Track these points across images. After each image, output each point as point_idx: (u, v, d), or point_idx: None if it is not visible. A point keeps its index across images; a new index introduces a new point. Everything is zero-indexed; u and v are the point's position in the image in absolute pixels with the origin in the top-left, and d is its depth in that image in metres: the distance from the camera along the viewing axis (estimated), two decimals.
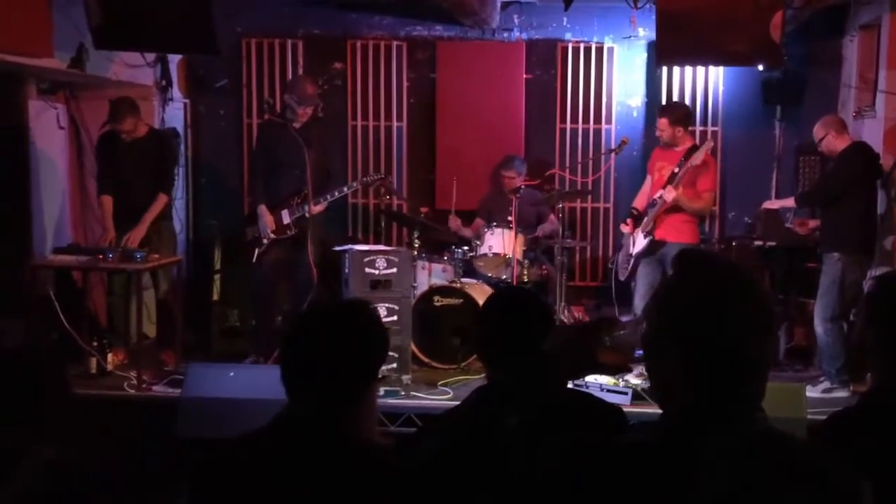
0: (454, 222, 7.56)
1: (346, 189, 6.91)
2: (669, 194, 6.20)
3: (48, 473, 2.08)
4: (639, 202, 6.67)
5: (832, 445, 2.17)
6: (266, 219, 6.60)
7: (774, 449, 1.57)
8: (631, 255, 6.47)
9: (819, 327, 6.11)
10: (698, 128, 7.98)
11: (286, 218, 6.61)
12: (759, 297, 1.61)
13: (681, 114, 6.56)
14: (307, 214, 6.54)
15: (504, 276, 6.95)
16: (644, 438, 1.61)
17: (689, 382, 1.58)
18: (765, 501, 1.51)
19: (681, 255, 1.67)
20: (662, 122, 6.44)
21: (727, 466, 1.52)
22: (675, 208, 6.31)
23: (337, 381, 2.02)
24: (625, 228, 6.62)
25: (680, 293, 1.62)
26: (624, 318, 6.94)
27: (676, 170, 6.30)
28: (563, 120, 8.17)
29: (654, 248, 6.39)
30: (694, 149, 6.40)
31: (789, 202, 6.64)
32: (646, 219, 6.42)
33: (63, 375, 2.40)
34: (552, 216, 7.52)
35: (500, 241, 6.90)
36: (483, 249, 6.96)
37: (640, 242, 6.44)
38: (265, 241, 6.63)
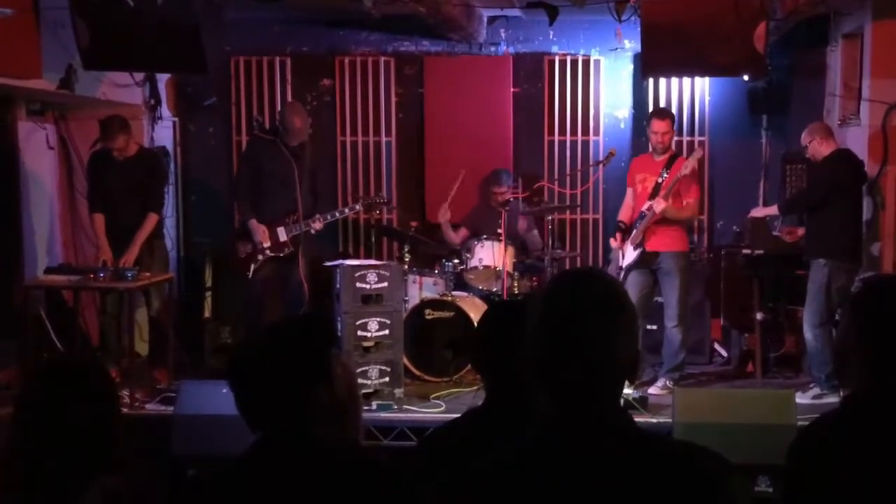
0: (445, 215, 7.55)
1: (346, 210, 7.01)
2: (659, 206, 6.24)
3: (109, 502, 2.08)
4: (624, 215, 6.70)
5: (816, 450, 2.19)
6: (259, 232, 6.62)
7: (640, 447, 1.59)
8: (621, 267, 6.50)
9: (808, 333, 6.15)
10: (685, 138, 8.03)
11: (283, 235, 6.65)
12: (607, 298, 1.63)
13: (674, 116, 6.65)
14: (312, 231, 6.60)
15: (495, 289, 6.97)
16: (511, 452, 1.63)
17: (545, 389, 1.62)
18: (636, 502, 1.53)
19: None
20: (665, 124, 6.43)
21: (596, 470, 1.55)
22: (663, 219, 6.36)
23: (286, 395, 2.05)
24: (613, 244, 6.65)
25: (534, 304, 1.68)
26: None
27: (660, 180, 6.34)
28: (551, 132, 8.21)
29: (645, 259, 6.43)
30: (674, 157, 6.45)
31: (774, 210, 6.70)
32: (634, 232, 6.45)
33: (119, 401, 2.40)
34: (535, 231, 7.55)
35: (490, 254, 6.93)
36: (473, 262, 6.99)
37: (630, 255, 6.48)
38: (260, 256, 6.65)
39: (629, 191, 6.74)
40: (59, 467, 2.10)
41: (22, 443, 2.14)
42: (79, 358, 2.97)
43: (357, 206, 7.09)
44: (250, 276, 6.67)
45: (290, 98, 8.11)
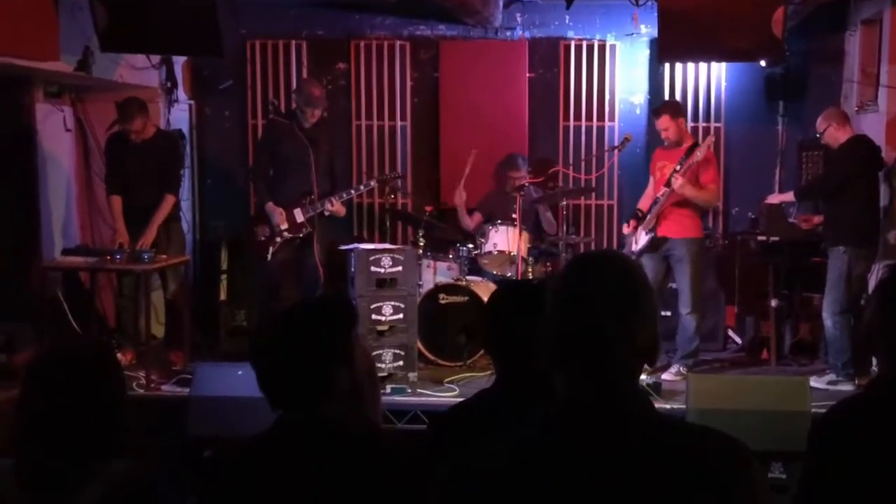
0: (461, 197, 7.54)
1: (362, 187, 7.03)
2: (677, 182, 6.22)
3: (118, 489, 2.09)
4: (643, 204, 6.68)
5: (836, 434, 2.18)
6: (276, 215, 6.64)
7: (659, 431, 1.58)
8: (633, 252, 6.50)
9: (828, 321, 6.14)
10: (701, 124, 8.00)
11: (300, 216, 6.67)
12: (625, 280, 1.61)
13: (677, 106, 6.66)
14: (326, 212, 6.62)
15: (509, 274, 6.98)
16: (525, 435, 1.61)
17: (561, 373, 1.61)
18: (654, 486, 1.52)
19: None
20: (664, 120, 6.42)
21: (614, 454, 1.53)
22: (678, 203, 6.34)
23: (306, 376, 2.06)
24: (626, 230, 6.66)
25: (551, 286, 1.67)
26: None
27: (678, 167, 6.33)
28: (567, 118, 8.19)
29: (656, 244, 6.42)
30: (695, 146, 6.42)
31: (789, 196, 6.67)
32: (648, 216, 6.45)
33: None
34: (549, 215, 7.54)
35: (504, 239, 6.94)
36: (488, 247, 7.00)
37: (642, 240, 6.48)
38: (278, 239, 6.67)
39: (651, 180, 6.73)
40: (66, 450, 2.10)
41: (28, 426, 2.14)
42: (84, 342, 2.95)
43: (372, 183, 7.12)
44: (268, 258, 6.70)
45: None
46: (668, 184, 6.33)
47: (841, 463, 2.13)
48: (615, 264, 1.64)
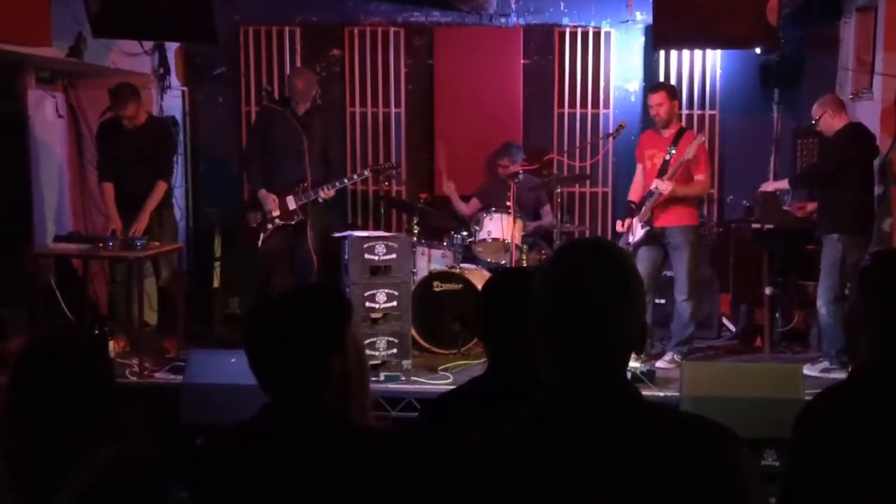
0: (449, 187, 7.57)
1: (356, 177, 7.02)
2: (665, 188, 6.21)
3: (108, 473, 2.08)
4: (634, 194, 6.66)
5: (822, 421, 2.19)
6: (269, 201, 6.63)
7: (648, 420, 1.57)
8: (629, 243, 6.49)
9: (822, 309, 6.14)
10: (696, 111, 7.99)
11: (292, 204, 6.66)
12: (613, 267, 1.60)
13: (674, 88, 6.64)
14: (320, 199, 6.60)
15: (503, 261, 6.97)
16: (516, 424, 1.61)
17: (550, 361, 1.60)
18: (646, 474, 1.51)
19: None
20: (661, 96, 6.37)
21: (604, 443, 1.53)
22: (672, 197, 6.33)
23: (294, 363, 2.05)
24: (619, 227, 6.64)
25: (539, 273, 1.66)
26: None
27: (667, 157, 6.31)
28: (561, 105, 8.17)
29: (654, 236, 6.40)
30: (682, 132, 6.41)
31: (784, 184, 6.67)
32: (643, 209, 6.43)
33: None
34: (547, 207, 7.55)
35: (499, 227, 6.93)
36: (482, 235, 6.99)
37: (639, 233, 6.45)
38: (270, 226, 6.66)
39: (639, 167, 6.70)
40: (53, 438, 2.10)
41: (16, 415, 2.14)
42: (70, 330, 2.94)
43: (366, 173, 7.11)
44: (259, 245, 6.68)
45: None
46: (661, 175, 6.31)
47: (827, 450, 2.13)
48: (604, 251, 1.63)
